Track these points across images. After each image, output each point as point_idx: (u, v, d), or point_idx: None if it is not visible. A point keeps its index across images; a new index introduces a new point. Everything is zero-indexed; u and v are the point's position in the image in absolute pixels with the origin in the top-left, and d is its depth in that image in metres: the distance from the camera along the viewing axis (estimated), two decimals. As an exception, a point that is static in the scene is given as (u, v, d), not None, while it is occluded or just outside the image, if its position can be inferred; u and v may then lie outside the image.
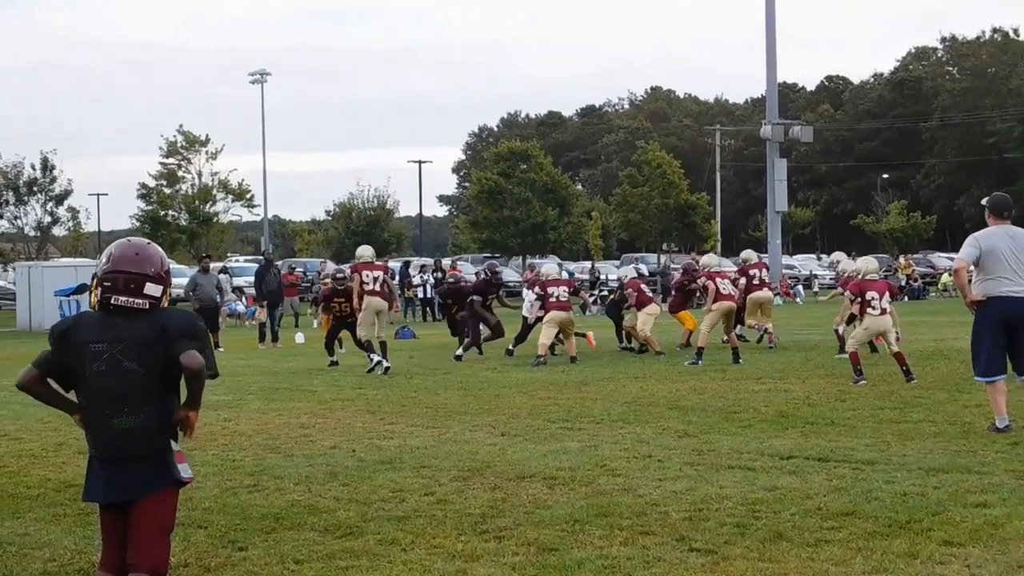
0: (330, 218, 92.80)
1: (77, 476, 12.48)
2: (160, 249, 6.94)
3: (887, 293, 20.38)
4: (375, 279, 24.13)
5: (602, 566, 8.49)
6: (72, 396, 6.84)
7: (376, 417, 16.95)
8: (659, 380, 20.70)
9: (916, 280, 62.91)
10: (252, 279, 39.76)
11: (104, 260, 6.74)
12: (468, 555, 8.92)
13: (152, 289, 6.69)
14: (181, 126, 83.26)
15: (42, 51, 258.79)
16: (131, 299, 6.62)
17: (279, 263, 45.20)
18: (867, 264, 21.69)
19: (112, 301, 6.63)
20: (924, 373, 20.89)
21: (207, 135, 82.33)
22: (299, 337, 35.79)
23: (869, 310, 19.98)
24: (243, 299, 47.89)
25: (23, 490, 12.03)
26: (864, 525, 9.50)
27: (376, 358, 23.62)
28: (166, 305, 6.88)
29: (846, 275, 25.75)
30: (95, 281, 6.78)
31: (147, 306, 6.67)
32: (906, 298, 59.16)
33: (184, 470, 6.79)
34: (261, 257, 49.90)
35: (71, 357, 6.62)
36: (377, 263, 25.37)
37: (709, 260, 26.39)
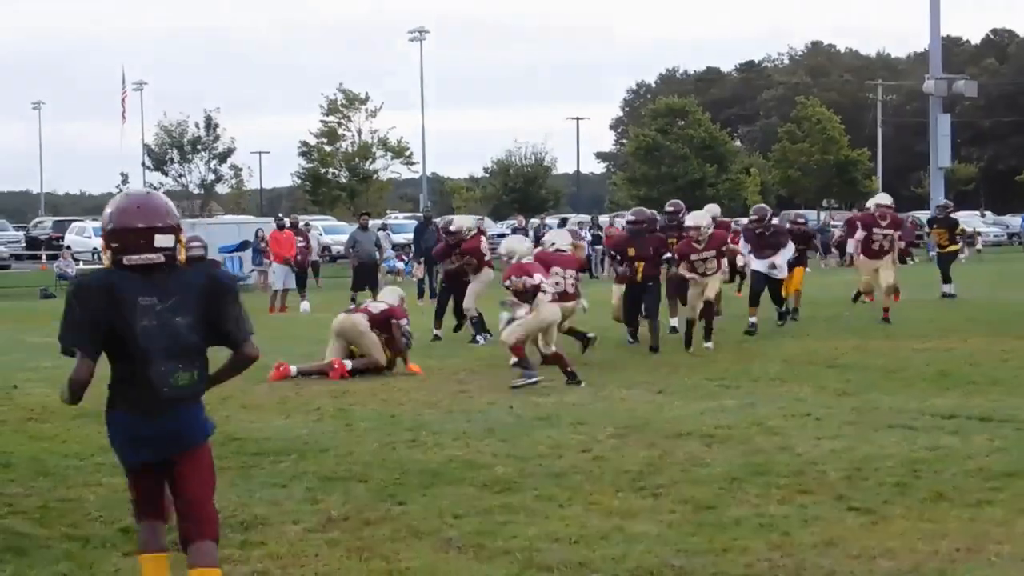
0: (488, 175, 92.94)
1: (239, 430, 12.73)
2: (164, 198, 6.52)
3: (573, 270, 18.30)
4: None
5: (759, 524, 8.47)
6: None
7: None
8: (818, 338, 20.48)
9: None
10: (411, 236, 40.01)
11: (107, 221, 6.31)
12: (625, 512, 8.95)
13: (162, 240, 6.24)
14: (341, 84, 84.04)
15: (205, 14, 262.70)
16: (145, 255, 6.21)
17: (437, 220, 45.42)
18: (519, 245, 17.45)
19: (124, 262, 6.23)
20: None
21: (367, 93, 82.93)
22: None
23: (540, 294, 16.21)
24: (406, 257, 48.00)
25: (188, 443, 12.26)
26: (1027, 486, 9.38)
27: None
28: (183, 256, 6.42)
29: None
30: (104, 244, 6.34)
31: (162, 259, 6.24)
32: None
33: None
34: (420, 214, 50.21)
35: (115, 316, 6.19)
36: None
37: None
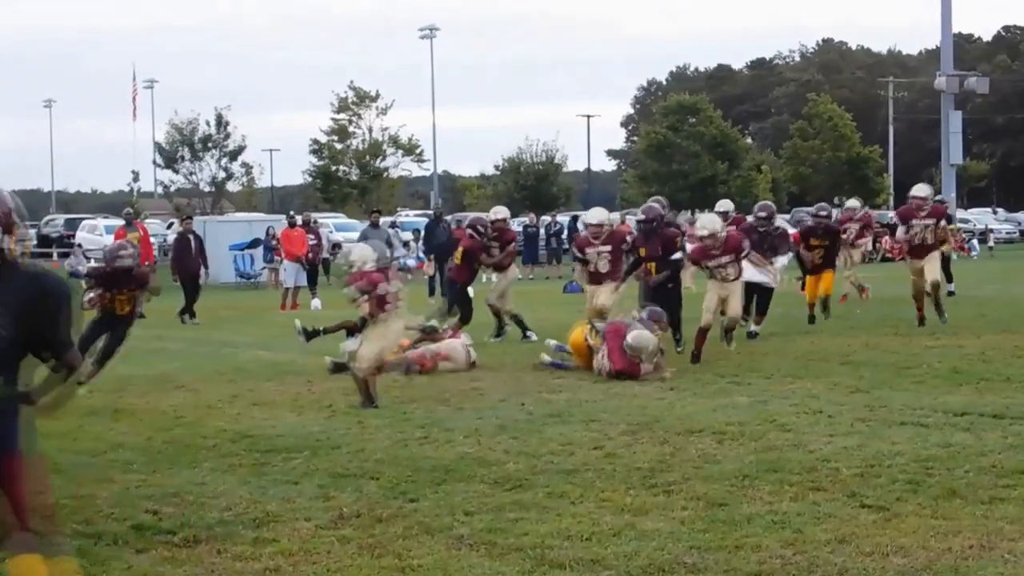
0: (499, 172, 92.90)
1: (252, 427, 12.77)
2: (5, 194, 6.15)
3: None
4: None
5: (772, 521, 8.46)
6: None
7: (545, 371, 17.02)
8: (830, 335, 20.43)
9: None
10: (417, 232, 40.10)
11: None
12: (637, 509, 8.95)
13: None
14: (352, 82, 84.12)
15: (215, 11, 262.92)
16: None
17: (448, 218, 45.39)
18: (363, 253, 15.07)
19: None
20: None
21: (377, 91, 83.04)
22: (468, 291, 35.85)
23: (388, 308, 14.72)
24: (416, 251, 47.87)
25: (199, 440, 12.29)
26: (1041, 483, 9.35)
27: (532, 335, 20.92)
28: (15, 252, 6.10)
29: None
30: None
31: None
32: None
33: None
34: (430, 212, 50.24)
35: None
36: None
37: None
